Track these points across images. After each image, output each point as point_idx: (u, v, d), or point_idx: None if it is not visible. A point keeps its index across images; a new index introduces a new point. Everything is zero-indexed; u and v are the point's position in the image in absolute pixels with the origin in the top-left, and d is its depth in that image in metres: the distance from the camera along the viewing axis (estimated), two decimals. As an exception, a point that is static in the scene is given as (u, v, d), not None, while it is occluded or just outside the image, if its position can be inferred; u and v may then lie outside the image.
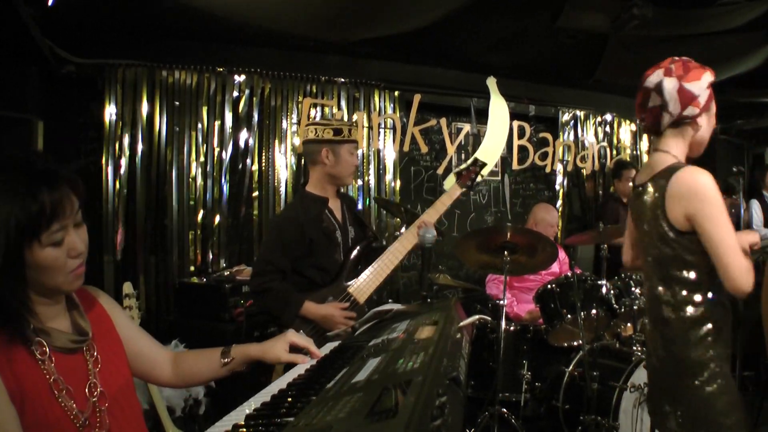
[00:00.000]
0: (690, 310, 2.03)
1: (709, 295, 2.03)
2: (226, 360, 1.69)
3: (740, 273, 1.92)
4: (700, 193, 1.98)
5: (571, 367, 3.83)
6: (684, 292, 2.05)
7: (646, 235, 2.19)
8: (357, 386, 1.20)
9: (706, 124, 2.18)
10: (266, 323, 3.97)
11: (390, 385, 1.06)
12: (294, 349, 1.73)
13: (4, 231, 1.23)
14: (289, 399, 1.35)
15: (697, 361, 2.00)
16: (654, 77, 2.14)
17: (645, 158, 6.72)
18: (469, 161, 3.41)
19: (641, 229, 2.24)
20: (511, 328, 4.00)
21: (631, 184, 5.81)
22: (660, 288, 2.13)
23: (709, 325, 2.01)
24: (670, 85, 2.10)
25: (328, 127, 2.94)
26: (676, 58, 2.17)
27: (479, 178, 3.37)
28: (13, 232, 1.23)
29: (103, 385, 1.44)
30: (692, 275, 2.04)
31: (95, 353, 1.47)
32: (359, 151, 5.22)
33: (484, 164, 3.39)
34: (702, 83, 2.11)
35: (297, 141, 4.97)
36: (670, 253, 2.07)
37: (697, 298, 2.03)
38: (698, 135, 2.18)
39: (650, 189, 2.15)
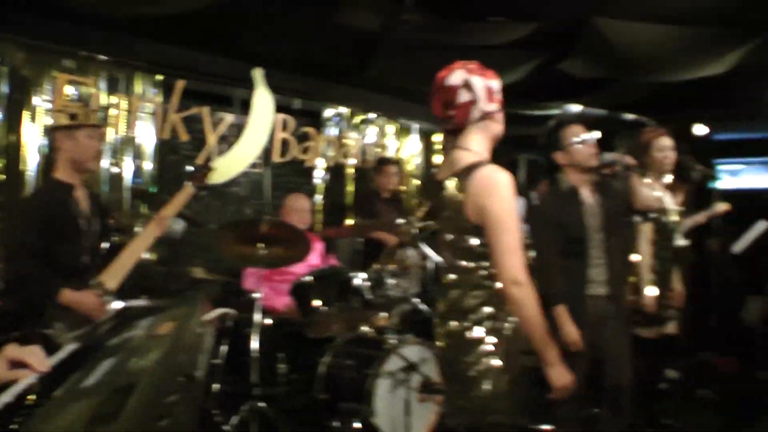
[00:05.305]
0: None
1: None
2: None
3: (510, 271, 2.10)
4: (492, 189, 2.13)
5: (326, 358, 3.96)
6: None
7: (445, 223, 2.36)
8: (85, 391, 1.13)
9: (500, 121, 2.35)
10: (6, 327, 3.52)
11: (117, 388, 1.01)
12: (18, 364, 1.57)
13: None
14: (9, 414, 1.22)
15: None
16: (457, 76, 2.26)
17: (405, 157, 7.11)
18: (202, 163, 3.57)
19: (441, 218, 2.41)
20: (268, 321, 4.02)
21: (392, 179, 6.08)
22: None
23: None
24: (479, 82, 2.25)
25: (64, 112, 3.01)
26: (467, 61, 2.33)
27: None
28: None
29: None
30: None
31: None
32: (117, 137, 4.87)
33: (212, 168, 3.67)
34: (498, 82, 2.31)
35: (50, 120, 4.45)
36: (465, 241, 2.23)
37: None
38: (497, 130, 2.33)
39: (453, 185, 2.29)
